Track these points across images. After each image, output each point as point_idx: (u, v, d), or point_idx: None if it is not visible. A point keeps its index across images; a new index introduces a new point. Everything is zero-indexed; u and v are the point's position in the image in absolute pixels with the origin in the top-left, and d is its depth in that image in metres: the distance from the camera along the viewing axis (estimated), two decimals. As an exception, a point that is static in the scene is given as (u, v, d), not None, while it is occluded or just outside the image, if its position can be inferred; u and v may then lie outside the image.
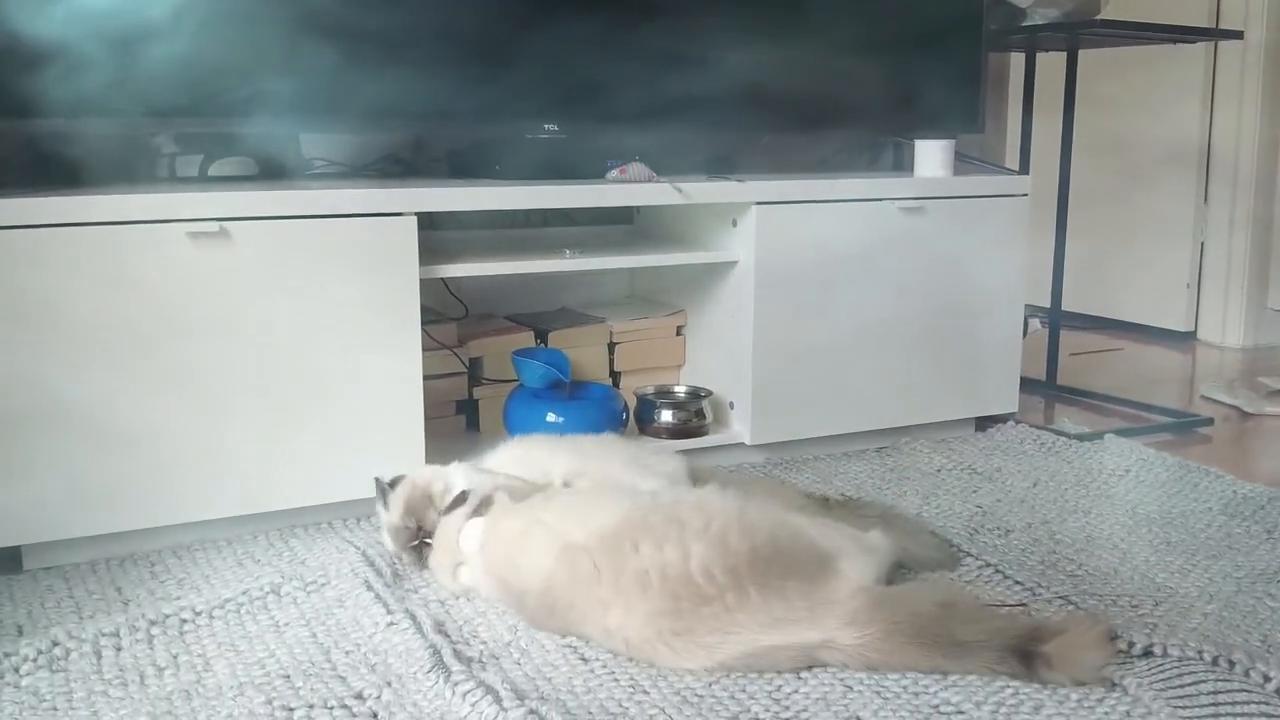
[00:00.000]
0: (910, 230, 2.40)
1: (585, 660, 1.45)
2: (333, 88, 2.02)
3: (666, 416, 2.32)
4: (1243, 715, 1.30)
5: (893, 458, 2.39)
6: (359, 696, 1.35)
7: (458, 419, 2.34)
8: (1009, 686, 1.36)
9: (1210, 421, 2.75)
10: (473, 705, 1.30)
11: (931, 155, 2.50)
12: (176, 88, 1.91)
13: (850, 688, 1.37)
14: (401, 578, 1.71)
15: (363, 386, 1.93)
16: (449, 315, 2.33)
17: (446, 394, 2.30)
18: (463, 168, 2.35)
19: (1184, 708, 1.31)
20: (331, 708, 1.33)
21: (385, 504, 1.75)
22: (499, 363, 2.33)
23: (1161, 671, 1.38)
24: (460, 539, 1.64)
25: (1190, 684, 1.36)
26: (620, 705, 1.34)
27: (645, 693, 1.37)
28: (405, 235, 1.94)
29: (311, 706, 1.33)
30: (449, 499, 1.71)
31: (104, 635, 1.50)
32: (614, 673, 1.41)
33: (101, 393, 1.75)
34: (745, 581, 1.40)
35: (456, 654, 1.43)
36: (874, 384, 2.41)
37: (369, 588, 1.64)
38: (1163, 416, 2.78)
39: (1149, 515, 2.02)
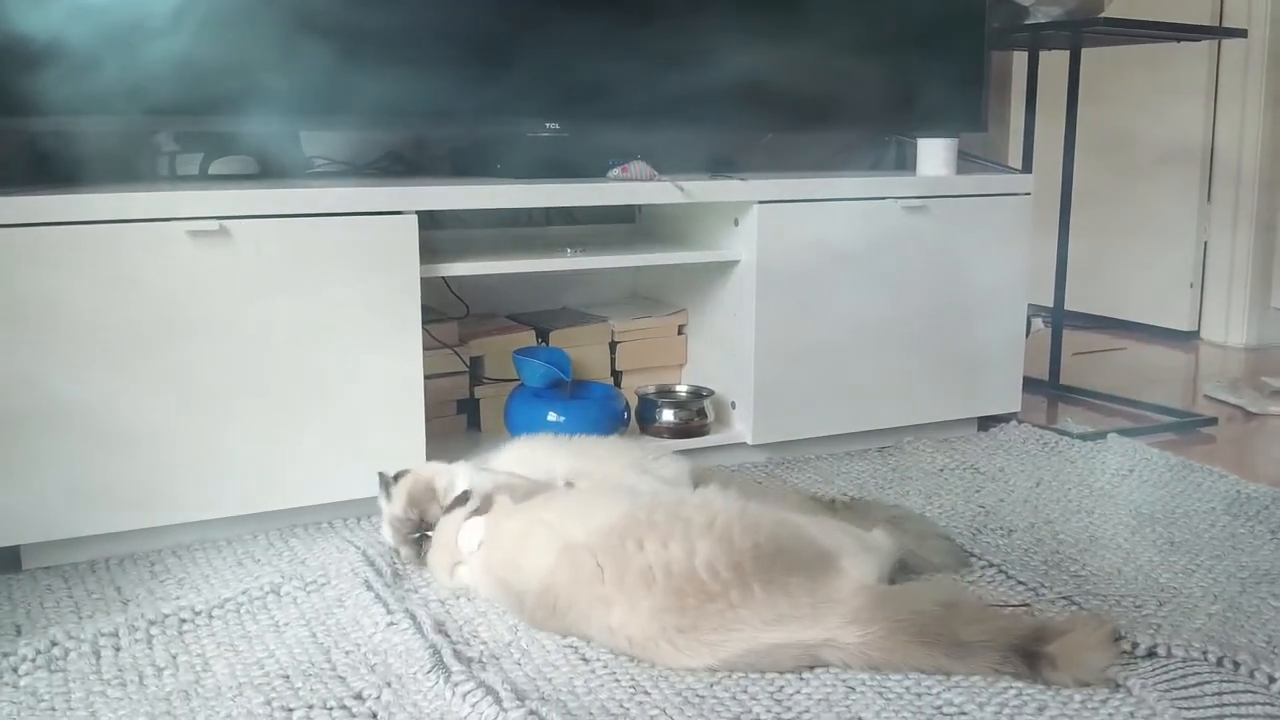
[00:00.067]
0: (913, 229, 2.39)
1: (586, 661, 1.44)
2: (333, 86, 2.01)
3: (668, 416, 2.32)
4: (1247, 716, 1.29)
5: (895, 457, 2.38)
6: (359, 697, 1.34)
7: (459, 418, 2.33)
8: (1012, 687, 1.35)
9: (1214, 421, 2.75)
10: (473, 706, 1.29)
11: (934, 154, 2.49)
12: (177, 86, 1.91)
13: (852, 688, 1.36)
14: (402, 577, 1.70)
15: (363, 386, 1.92)
16: (450, 314, 2.33)
17: (447, 393, 2.29)
18: (464, 166, 2.35)
19: (1188, 709, 1.30)
20: (331, 708, 1.32)
21: (388, 496, 1.75)
22: (500, 362, 2.33)
23: (1166, 672, 1.38)
24: (459, 538, 1.64)
25: (1195, 685, 1.35)
26: (621, 706, 1.33)
27: (646, 693, 1.36)
28: (406, 234, 1.93)
29: (311, 707, 1.32)
30: (452, 496, 1.71)
31: (103, 635, 1.49)
32: (615, 673, 1.41)
33: (101, 392, 1.75)
34: (750, 578, 1.40)
35: (457, 654, 1.43)
36: (876, 383, 2.40)
37: (369, 587, 1.63)
38: (1166, 416, 2.77)
39: (1152, 515, 2.01)
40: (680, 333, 2.51)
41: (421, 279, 1.95)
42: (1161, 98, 3.80)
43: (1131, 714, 1.30)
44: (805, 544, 1.48)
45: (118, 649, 1.48)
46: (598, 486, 1.79)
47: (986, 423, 2.60)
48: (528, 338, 2.38)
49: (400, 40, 2.06)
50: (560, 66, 2.20)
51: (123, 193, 1.78)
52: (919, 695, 1.34)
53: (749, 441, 2.31)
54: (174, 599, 1.64)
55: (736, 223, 2.28)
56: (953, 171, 2.50)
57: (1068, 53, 2.89)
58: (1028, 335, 2.63)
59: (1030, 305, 2.62)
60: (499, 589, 1.58)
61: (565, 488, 1.77)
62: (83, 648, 1.47)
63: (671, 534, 1.45)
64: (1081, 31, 2.61)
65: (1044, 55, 2.93)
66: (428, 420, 1.99)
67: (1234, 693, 1.33)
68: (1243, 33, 2.90)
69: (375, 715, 1.31)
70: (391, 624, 1.52)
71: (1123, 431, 2.54)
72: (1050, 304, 3.02)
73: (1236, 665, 1.39)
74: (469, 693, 1.32)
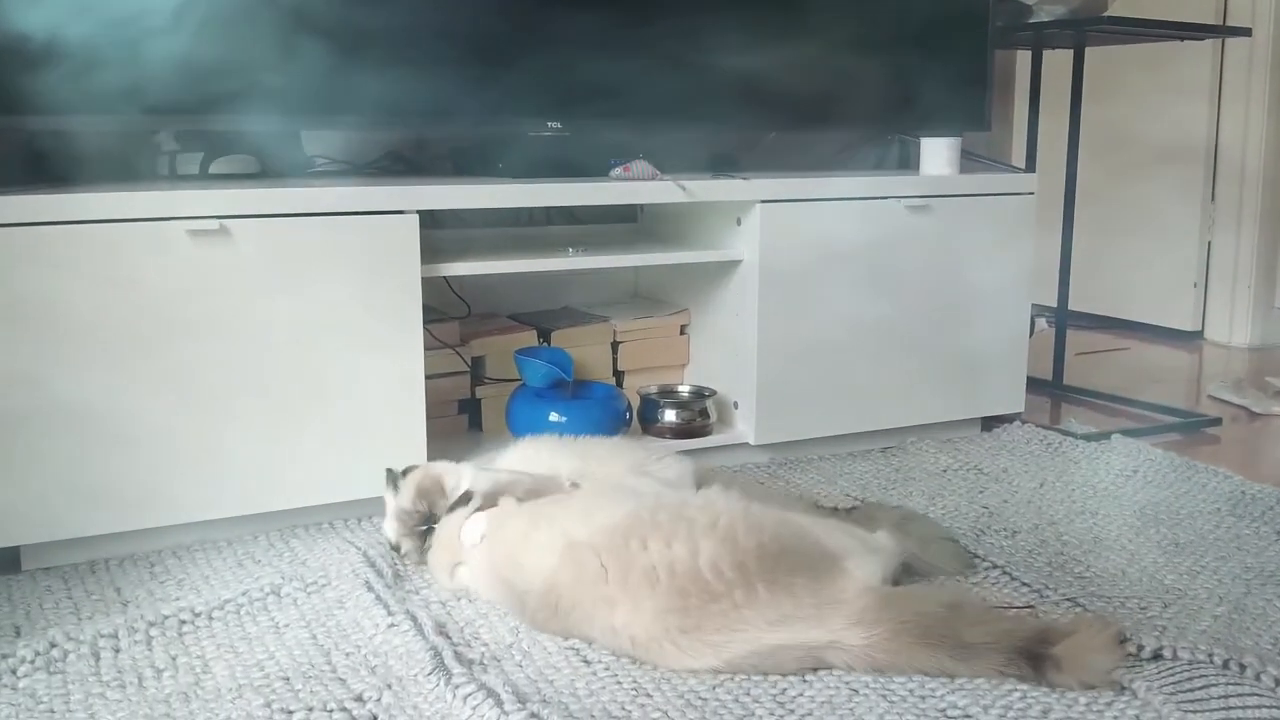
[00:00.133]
0: (916, 229, 2.38)
1: (588, 663, 1.43)
2: (334, 85, 2.00)
3: (670, 416, 2.31)
4: None
5: (898, 458, 2.37)
6: (359, 699, 1.34)
7: (460, 418, 2.33)
8: (1016, 690, 1.34)
9: (1218, 421, 2.74)
10: (473, 708, 1.29)
11: (937, 153, 2.48)
12: (177, 85, 1.90)
13: (856, 691, 1.35)
14: (403, 578, 1.70)
15: (364, 386, 1.91)
16: (451, 314, 2.32)
17: (449, 393, 2.28)
18: (465, 165, 2.34)
19: (1194, 712, 1.29)
20: (331, 710, 1.31)
21: (395, 489, 1.74)
22: (502, 362, 2.32)
23: (1171, 675, 1.37)
24: (462, 531, 1.63)
25: (1200, 687, 1.34)
26: (623, 709, 1.33)
27: (649, 696, 1.35)
28: (407, 233, 1.93)
29: (311, 709, 1.31)
30: (457, 495, 1.70)
31: (102, 637, 1.49)
32: (617, 675, 1.40)
33: (101, 392, 1.74)
34: (754, 578, 1.39)
35: (458, 656, 1.42)
36: (879, 383, 2.39)
37: (370, 589, 1.63)
38: (1170, 416, 2.76)
39: (1157, 516, 2.00)
40: (682, 333, 2.50)
41: (423, 279, 1.95)
42: (1165, 97, 3.79)
43: (1136, 717, 1.29)
44: (809, 544, 1.48)
45: (117, 650, 1.47)
46: (600, 487, 1.78)
47: (990, 423, 2.60)
48: (529, 337, 2.37)
49: (401, 39, 2.05)
50: (562, 65, 2.19)
51: (123, 192, 1.77)
52: (923, 698, 1.34)
53: (751, 442, 2.30)
54: (174, 600, 1.63)
55: (739, 222, 2.28)
56: (956, 171, 2.49)
57: (1071, 52, 2.88)
58: (1031, 335, 2.62)
59: (1034, 305, 2.61)
60: (501, 589, 1.57)
61: (570, 488, 1.76)
62: (82, 649, 1.46)
63: (675, 534, 1.44)
64: (1085, 30, 2.60)
65: (1047, 54, 2.92)
66: (429, 420, 1.98)
67: (1240, 695, 1.32)
68: (1247, 31, 2.88)
69: (375, 718, 1.31)
70: (392, 625, 1.51)
71: (1126, 432, 2.53)
72: (1053, 304, 3.01)
73: (1243, 668, 1.38)
74: (470, 695, 1.31)
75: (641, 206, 2.62)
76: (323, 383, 1.88)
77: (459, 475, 1.75)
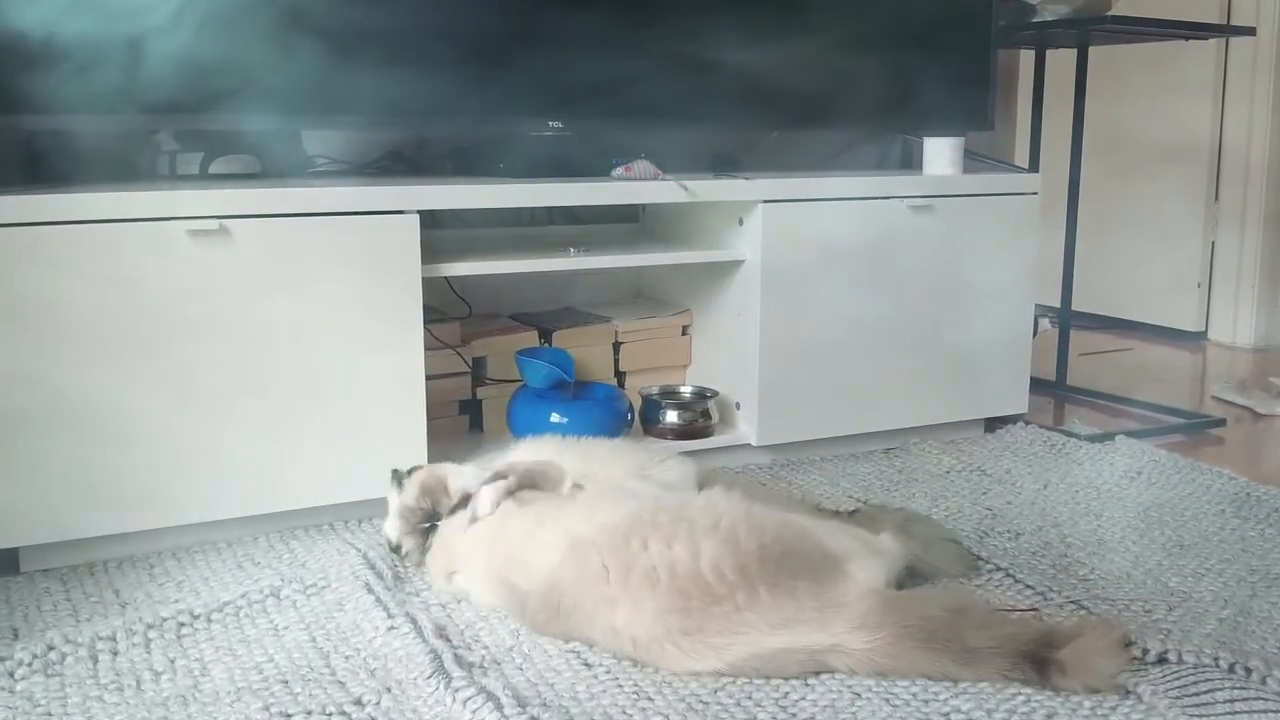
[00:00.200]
0: (919, 229, 2.37)
1: (589, 666, 1.42)
2: (335, 85, 1.99)
3: (672, 417, 2.30)
4: (1260, 724, 1.27)
5: (901, 459, 2.36)
6: (358, 703, 1.33)
7: (461, 419, 2.32)
8: (1021, 694, 1.33)
9: (1222, 423, 2.72)
10: (473, 712, 1.28)
11: (940, 153, 2.47)
12: (177, 85, 1.89)
13: (859, 694, 1.35)
14: (403, 580, 1.69)
15: (364, 386, 1.90)
16: (452, 314, 2.31)
17: (449, 394, 2.28)
18: (466, 165, 2.33)
19: (1200, 716, 1.29)
20: (330, 714, 1.31)
21: (399, 487, 1.73)
22: (503, 362, 2.31)
23: (1177, 679, 1.36)
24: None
25: (1205, 691, 1.33)
26: (624, 712, 1.32)
27: (650, 699, 1.34)
28: (407, 233, 1.92)
29: (310, 713, 1.31)
30: (460, 496, 1.70)
31: (100, 639, 1.48)
32: (618, 679, 1.39)
33: (100, 392, 1.73)
34: (755, 580, 1.38)
35: (458, 659, 1.41)
36: (882, 384, 2.38)
37: (370, 591, 1.62)
38: (1174, 417, 2.75)
39: (1160, 518, 1.99)
40: (684, 333, 2.49)
41: (423, 279, 1.94)
42: (1169, 96, 3.78)
43: (1142, 721, 1.29)
44: (812, 547, 1.47)
45: (115, 653, 1.46)
46: (602, 489, 1.77)
47: (993, 424, 2.59)
48: (530, 338, 2.36)
49: (402, 39, 2.04)
50: (563, 65, 2.18)
51: (122, 192, 1.76)
52: (926, 702, 1.33)
53: (753, 443, 2.29)
54: (173, 602, 1.62)
55: (741, 222, 2.27)
56: (959, 171, 2.48)
57: (1075, 51, 2.87)
58: (1035, 335, 2.61)
59: (1037, 305, 2.60)
60: (502, 592, 1.56)
61: (573, 488, 1.75)
62: (80, 652, 1.45)
63: (676, 534, 1.44)
64: (1088, 30, 2.59)
65: (1050, 54, 2.91)
66: (429, 421, 1.97)
67: (1245, 700, 1.31)
68: (1251, 30, 2.87)
69: (375, 721, 1.30)
70: (392, 628, 1.50)
71: (1130, 433, 2.52)
72: (1057, 304, 3.00)
73: (1248, 672, 1.37)
74: (469, 699, 1.30)
75: (643, 206, 2.61)
76: (323, 383, 1.87)
77: (462, 476, 1.75)
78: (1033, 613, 1.57)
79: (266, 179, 2.07)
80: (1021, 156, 3.03)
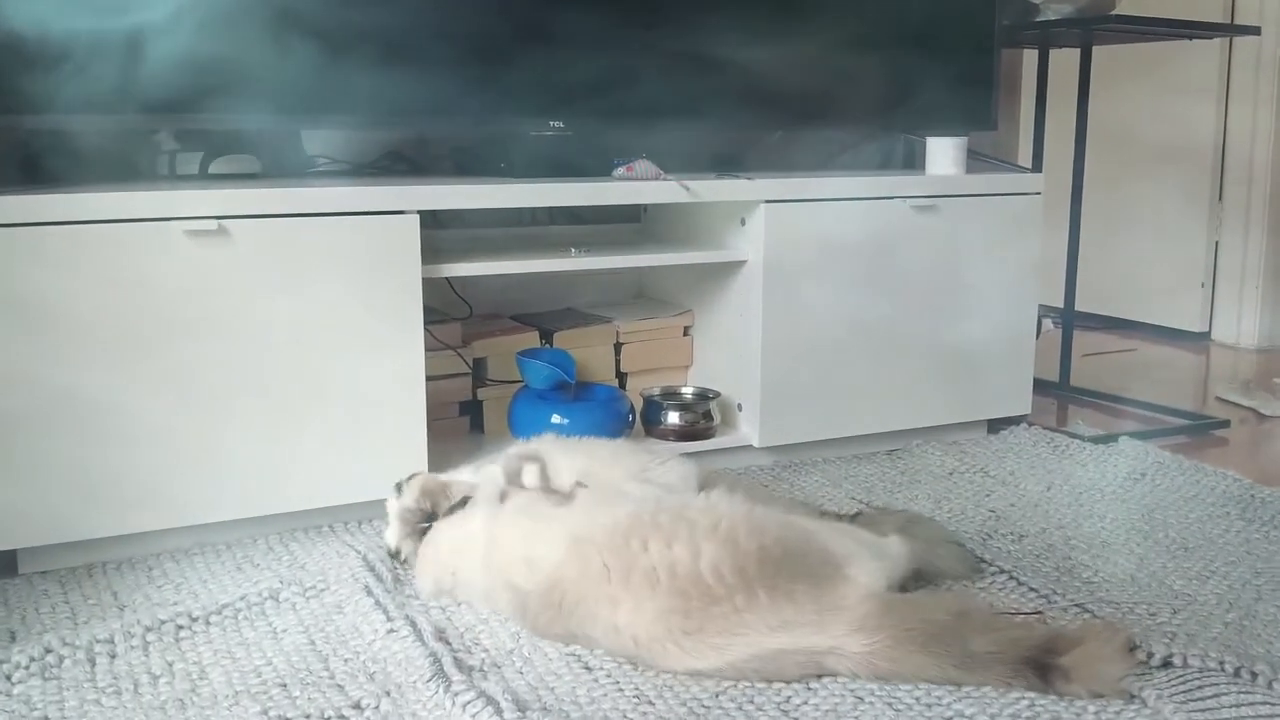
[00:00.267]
0: (922, 229, 2.36)
1: (589, 669, 1.41)
2: (335, 84, 1.99)
3: (673, 418, 2.29)
4: (1266, 729, 1.26)
5: (904, 460, 2.35)
6: (357, 706, 1.32)
7: (461, 420, 2.31)
8: (1024, 699, 1.32)
9: (1226, 424, 2.71)
10: (473, 716, 1.27)
11: (943, 153, 2.46)
12: (177, 84, 1.88)
13: (861, 699, 1.34)
14: (403, 583, 1.68)
15: (364, 387, 1.90)
16: (453, 315, 2.30)
17: (450, 395, 2.27)
18: (467, 165, 2.32)
19: (1205, 721, 1.28)
20: (328, 718, 1.30)
21: (399, 491, 1.73)
22: (503, 363, 2.30)
23: (1182, 683, 1.35)
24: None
25: (1211, 696, 1.32)
26: (625, 717, 1.31)
27: (651, 704, 1.34)
28: (408, 234, 1.91)
29: (308, 716, 1.30)
30: (458, 498, 1.69)
31: (98, 642, 1.47)
32: (619, 682, 1.38)
33: (99, 393, 1.72)
34: (754, 583, 1.38)
35: (457, 662, 1.40)
36: (884, 385, 2.37)
37: (369, 593, 1.61)
38: (1178, 419, 2.74)
39: (1165, 520, 1.98)
40: (686, 334, 2.48)
41: (424, 279, 1.93)
42: (1172, 96, 3.76)
43: (1147, 726, 1.28)
44: (813, 549, 1.46)
45: (113, 656, 1.45)
46: (602, 490, 1.76)
47: (996, 425, 2.57)
48: (531, 339, 2.35)
49: (403, 38, 2.03)
50: (564, 64, 2.17)
51: (122, 192, 1.75)
52: (929, 706, 1.32)
53: (755, 444, 2.28)
54: (171, 604, 1.62)
55: (743, 222, 2.26)
56: (962, 170, 2.47)
57: (1078, 51, 2.85)
58: (1038, 336, 2.60)
59: (1040, 306, 2.59)
60: (502, 592, 1.55)
61: (576, 488, 1.75)
62: (78, 655, 1.44)
63: (676, 535, 1.43)
64: (1092, 29, 2.58)
65: (1054, 53, 2.90)
66: (430, 422, 1.97)
67: (1251, 704, 1.30)
68: (1256, 30, 2.86)
69: (374, 725, 1.29)
70: (391, 631, 1.49)
71: (1134, 434, 2.51)
72: (1060, 304, 2.99)
73: (1254, 676, 1.36)
74: (469, 702, 1.29)
75: (645, 206, 2.60)
76: (323, 384, 1.87)
77: (462, 476, 1.74)
78: (1036, 615, 1.56)
79: (267, 179, 2.06)
80: (1025, 156, 3.02)
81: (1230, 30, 3.21)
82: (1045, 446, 2.44)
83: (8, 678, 1.39)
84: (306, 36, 1.93)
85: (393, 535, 1.73)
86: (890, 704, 1.32)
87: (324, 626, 1.54)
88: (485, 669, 1.41)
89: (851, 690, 1.35)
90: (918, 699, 1.33)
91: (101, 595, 1.67)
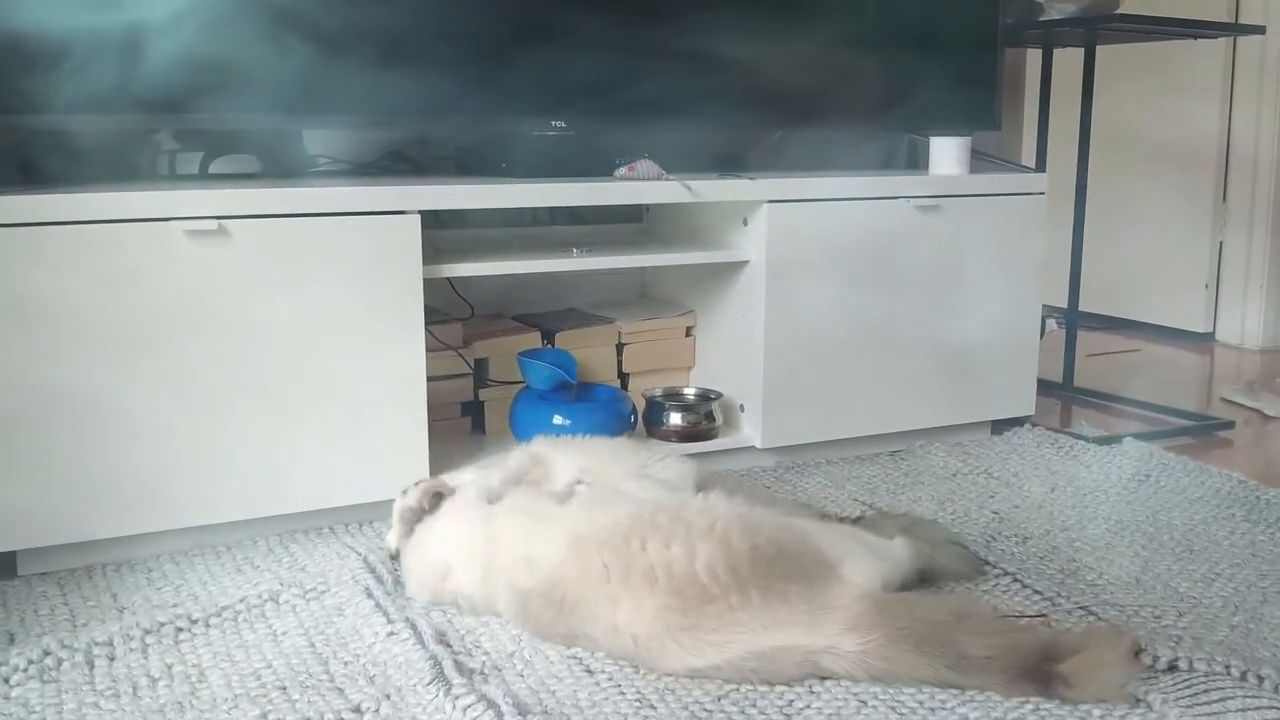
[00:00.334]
0: (925, 229, 2.35)
1: (590, 672, 1.41)
2: (336, 83, 1.98)
3: (675, 419, 2.28)
4: (1273, 734, 1.25)
5: (907, 462, 2.34)
6: (356, 710, 1.31)
7: (463, 421, 2.30)
8: (1029, 703, 1.31)
9: (1231, 425, 2.70)
10: (473, 720, 1.26)
11: (947, 153, 2.45)
12: (177, 84, 1.87)
13: (865, 703, 1.33)
14: (403, 585, 1.67)
15: (365, 388, 1.89)
16: (454, 315, 2.29)
17: (451, 395, 2.26)
18: (468, 165, 2.31)
19: (1212, 726, 1.27)
20: (328, 722, 1.29)
21: (403, 492, 1.72)
22: (505, 364, 2.29)
23: (1188, 687, 1.34)
24: (442, 547, 1.60)
25: (1218, 700, 1.31)
26: (626, 720, 1.30)
27: (653, 707, 1.33)
28: (409, 234, 1.90)
29: (308, 720, 1.29)
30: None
31: (97, 644, 1.46)
32: (620, 686, 1.37)
33: (99, 393, 1.72)
34: (747, 583, 1.38)
35: (458, 666, 1.39)
36: (887, 386, 2.36)
37: (369, 595, 1.60)
38: (1182, 419, 2.73)
39: (1170, 522, 1.97)
40: (688, 334, 2.47)
41: (425, 280, 1.92)
42: (1176, 96, 3.75)
43: (1153, 731, 1.27)
44: (808, 550, 1.46)
45: (112, 659, 1.45)
46: (602, 490, 1.76)
47: (1000, 426, 2.56)
48: (533, 339, 2.34)
49: (404, 37, 2.03)
50: (566, 64, 2.16)
51: (122, 192, 1.75)
52: (933, 710, 1.31)
53: (758, 445, 2.27)
54: (170, 606, 1.61)
55: (745, 222, 2.25)
56: (966, 170, 2.46)
57: (1082, 50, 2.84)
58: (1042, 336, 2.58)
59: (1044, 306, 2.58)
60: (503, 593, 1.53)
61: (578, 488, 1.74)
62: (76, 657, 1.43)
63: (674, 535, 1.43)
64: (1096, 28, 2.57)
65: (1057, 53, 2.88)
66: (431, 423, 1.96)
67: (1258, 709, 1.29)
68: (1260, 29, 2.84)
69: (373, 729, 1.28)
70: (392, 634, 1.48)
71: (1138, 435, 2.50)
72: (1063, 304, 2.98)
73: (1260, 680, 1.35)
74: (469, 706, 1.28)
75: (647, 206, 2.59)
76: (323, 385, 1.86)
77: (465, 476, 1.74)
78: (1041, 618, 1.55)
79: (267, 179, 2.05)
80: (1028, 156, 3.01)
81: (1235, 30, 3.20)
82: (1049, 447, 2.43)
83: (5, 680, 1.38)
84: (307, 35, 1.92)
85: (394, 537, 1.72)
86: (894, 708, 1.31)
87: (324, 629, 1.53)
88: (486, 672, 1.40)
89: (854, 694, 1.34)
90: (921, 703, 1.32)
91: (101, 597, 1.66)
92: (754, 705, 1.33)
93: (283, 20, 1.92)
